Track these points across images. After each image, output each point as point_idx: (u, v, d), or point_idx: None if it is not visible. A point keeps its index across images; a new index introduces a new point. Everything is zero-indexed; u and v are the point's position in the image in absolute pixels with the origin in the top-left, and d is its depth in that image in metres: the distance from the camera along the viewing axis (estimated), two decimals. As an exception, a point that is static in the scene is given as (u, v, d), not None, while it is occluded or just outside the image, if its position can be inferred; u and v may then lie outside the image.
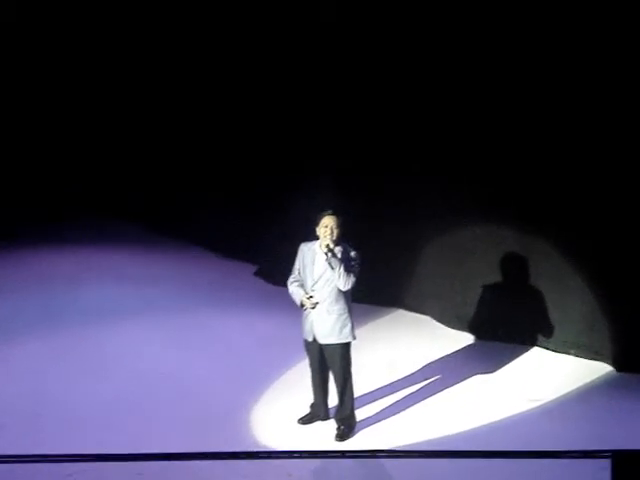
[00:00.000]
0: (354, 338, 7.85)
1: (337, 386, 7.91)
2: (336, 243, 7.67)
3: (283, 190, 11.82)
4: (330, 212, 7.71)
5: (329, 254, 7.63)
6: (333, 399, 8.05)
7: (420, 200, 10.55)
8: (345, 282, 7.65)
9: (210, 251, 13.13)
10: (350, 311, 7.82)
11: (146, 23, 13.72)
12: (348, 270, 7.65)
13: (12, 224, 13.62)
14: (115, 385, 8.74)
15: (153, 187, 14.12)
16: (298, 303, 7.87)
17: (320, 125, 11.32)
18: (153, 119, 13.94)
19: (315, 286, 7.76)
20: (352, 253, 7.72)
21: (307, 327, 7.86)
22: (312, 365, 8.02)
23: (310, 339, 7.88)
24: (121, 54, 14.22)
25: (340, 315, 7.76)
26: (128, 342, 9.83)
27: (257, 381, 8.93)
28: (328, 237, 7.63)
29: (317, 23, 11.19)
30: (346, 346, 7.83)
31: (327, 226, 7.65)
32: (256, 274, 12.24)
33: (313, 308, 7.77)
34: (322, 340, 7.81)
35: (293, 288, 7.91)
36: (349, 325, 7.79)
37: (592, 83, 9.24)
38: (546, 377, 9.29)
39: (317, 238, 7.74)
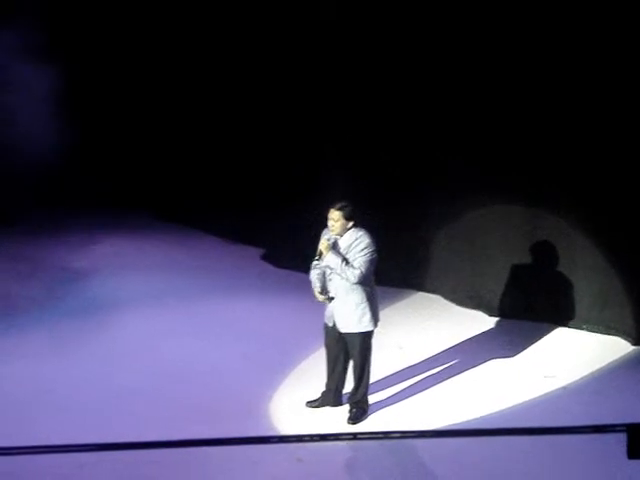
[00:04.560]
0: (375, 326, 7.75)
1: (355, 372, 7.85)
2: (340, 235, 7.62)
3: (292, 177, 11.76)
4: (333, 206, 7.64)
5: (320, 259, 7.62)
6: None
7: (430, 182, 10.48)
8: (349, 276, 7.56)
9: (222, 238, 13.06)
10: (370, 299, 7.68)
11: (149, 22, 13.70)
12: (351, 264, 7.54)
13: (16, 212, 13.58)
14: (126, 373, 8.71)
15: (166, 175, 14.08)
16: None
17: (327, 112, 11.25)
18: (161, 111, 13.89)
19: (331, 275, 7.72)
20: (361, 244, 7.58)
21: (328, 313, 7.81)
22: (328, 351, 7.94)
23: (330, 324, 7.83)
24: (126, 53, 14.21)
25: (357, 305, 7.65)
26: (139, 330, 9.75)
27: (269, 367, 8.86)
28: (324, 240, 7.63)
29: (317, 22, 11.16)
30: (367, 334, 7.75)
31: (329, 219, 7.64)
32: (263, 258, 12.20)
33: (329, 301, 7.73)
34: (342, 329, 7.75)
35: (313, 277, 7.84)
36: (368, 314, 7.67)
37: (600, 58, 9.12)
38: (561, 353, 9.22)
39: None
